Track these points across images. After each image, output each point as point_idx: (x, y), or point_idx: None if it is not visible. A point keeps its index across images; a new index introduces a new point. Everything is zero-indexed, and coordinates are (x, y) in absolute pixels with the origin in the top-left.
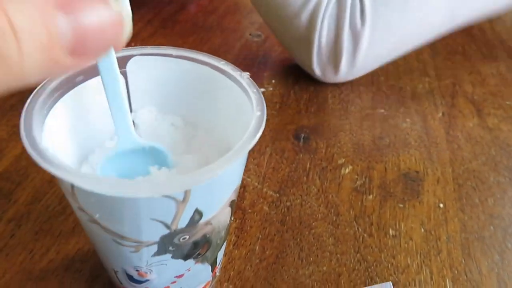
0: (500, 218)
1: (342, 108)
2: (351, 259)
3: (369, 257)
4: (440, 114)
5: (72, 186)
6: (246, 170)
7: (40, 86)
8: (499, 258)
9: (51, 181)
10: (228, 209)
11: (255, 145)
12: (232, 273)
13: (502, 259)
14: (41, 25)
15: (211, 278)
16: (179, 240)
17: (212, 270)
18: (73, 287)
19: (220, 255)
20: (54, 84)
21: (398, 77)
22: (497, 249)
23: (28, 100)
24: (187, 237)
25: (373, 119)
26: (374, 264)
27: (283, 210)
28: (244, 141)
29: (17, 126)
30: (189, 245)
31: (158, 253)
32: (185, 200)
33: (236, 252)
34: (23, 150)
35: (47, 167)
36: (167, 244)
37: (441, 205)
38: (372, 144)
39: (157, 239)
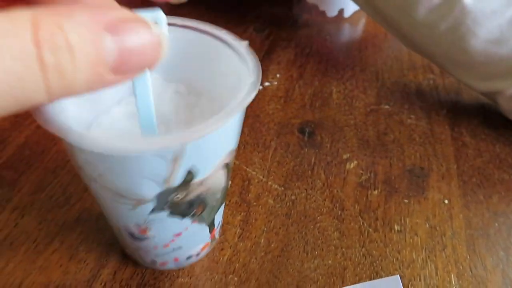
0: (505, 215)
1: (347, 103)
2: (356, 253)
3: (374, 251)
4: (445, 111)
5: (72, 145)
6: (251, 163)
7: None
8: (504, 255)
9: (55, 170)
10: (223, 172)
11: (260, 138)
12: (237, 265)
13: (507, 256)
14: (91, 45)
15: (209, 240)
16: (173, 199)
17: (210, 232)
18: (77, 277)
19: (218, 218)
20: None
21: (403, 74)
22: (502, 246)
23: None
24: (181, 196)
25: (378, 114)
26: (379, 258)
27: (288, 204)
28: (236, 104)
29: (19, 116)
30: (184, 204)
31: (155, 210)
32: (176, 159)
33: (241, 244)
34: (27, 139)
35: (49, 127)
36: (163, 202)
37: (446, 201)
38: (376, 140)
39: (152, 197)
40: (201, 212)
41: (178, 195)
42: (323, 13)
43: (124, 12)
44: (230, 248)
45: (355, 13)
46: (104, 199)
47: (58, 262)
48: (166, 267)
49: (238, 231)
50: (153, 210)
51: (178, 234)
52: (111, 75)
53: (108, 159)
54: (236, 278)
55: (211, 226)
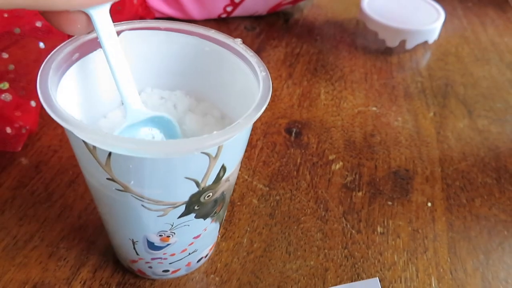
0: (486, 219)
1: (335, 104)
2: (338, 254)
3: (356, 253)
4: (432, 114)
5: (110, 154)
6: None
7: (55, 50)
8: (484, 258)
9: (38, 166)
10: (239, 166)
11: None
12: (219, 265)
13: (487, 259)
14: None
15: (216, 240)
16: (204, 198)
17: (219, 230)
18: (57, 274)
19: (223, 218)
20: (68, 49)
21: (391, 76)
22: (482, 249)
23: (43, 64)
24: (211, 194)
25: (365, 116)
26: (361, 260)
27: (272, 204)
28: (259, 100)
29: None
30: (210, 203)
31: (184, 213)
32: (217, 155)
33: (223, 244)
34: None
35: (86, 137)
36: (194, 204)
37: (429, 204)
38: (363, 141)
39: (186, 198)
40: (220, 210)
41: (210, 194)
42: (382, 42)
43: None
44: (213, 247)
45: (417, 46)
46: (129, 210)
47: (37, 259)
48: (177, 274)
49: (221, 230)
50: (182, 214)
51: (197, 236)
52: None
53: (155, 164)
54: (217, 278)
55: (221, 224)
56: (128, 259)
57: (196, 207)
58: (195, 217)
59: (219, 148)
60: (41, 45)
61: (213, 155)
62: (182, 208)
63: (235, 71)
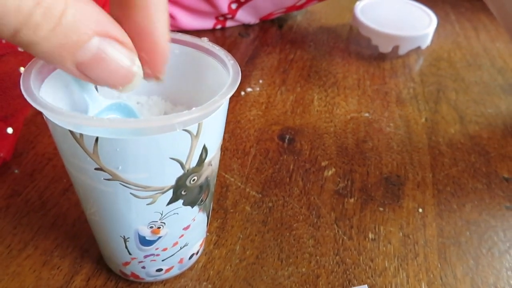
0: (477, 224)
1: (328, 110)
2: (330, 261)
3: (348, 259)
4: (423, 120)
5: (97, 140)
6: (230, 169)
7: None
8: (473, 263)
9: (32, 174)
10: (219, 152)
11: (240, 145)
12: (211, 272)
13: (477, 264)
14: (77, 30)
15: (205, 235)
16: (190, 182)
17: (207, 225)
18: (50, 283)
19: (210, 210)
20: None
21: (384, 82)
22: (472, 255)
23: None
24: (196, 178)
25: (358, 122)
26: (352, 266)
27: (265, 211)
28: (231, 80)
29: None
30: (196, 188)
31: (172, 199)
32: (197, 134)
33: (216, 251)
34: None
35: (70, 120)
36: (181, 188)
37: (420, 210)
38: (355, 148)
39: (173, 182)
40: (206, 199)
41: (194, 177)
42: (375, 47)
43: (126, 39)
44: (205, 255)
45: (410, 51)
46: (118, 201)
47: (31, 268)
48: (171, 273)
49: (214, 238)
50: (170, 201)
51: (187, 227)
52: (73, 66)
53: (141, 144)
54: (210, 286)
55: (208, 217)
56: (121, 262)
57: (183, 192)
58: (183, 204)
59: (199, 126)
60: (22, 70)
61: (194, 133)
62: (169, 194)
63: (206, 67)
